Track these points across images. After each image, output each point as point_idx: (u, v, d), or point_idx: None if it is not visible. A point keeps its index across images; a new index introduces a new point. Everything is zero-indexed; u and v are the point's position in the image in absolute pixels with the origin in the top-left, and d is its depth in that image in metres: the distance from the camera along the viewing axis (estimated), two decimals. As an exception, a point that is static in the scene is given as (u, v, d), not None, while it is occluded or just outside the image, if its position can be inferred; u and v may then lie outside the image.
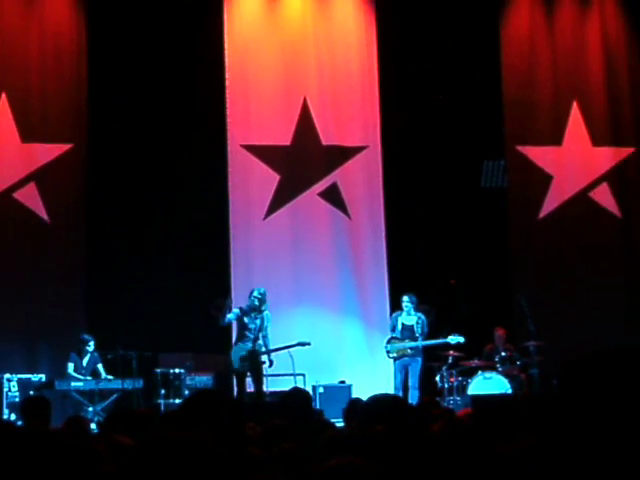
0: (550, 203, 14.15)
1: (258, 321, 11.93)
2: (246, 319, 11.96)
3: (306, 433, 4.58)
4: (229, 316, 11.99)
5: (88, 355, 12.50)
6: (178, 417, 3.64)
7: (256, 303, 11.91)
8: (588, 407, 2.86)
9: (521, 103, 14.21)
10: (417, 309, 12.60)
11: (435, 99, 14.23)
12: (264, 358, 11.92)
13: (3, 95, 13.10)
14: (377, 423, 4.15)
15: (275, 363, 11.90)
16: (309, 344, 12.05)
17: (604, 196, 14.25)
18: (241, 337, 12.01)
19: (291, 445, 3.63)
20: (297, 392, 6.73)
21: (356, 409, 5.97)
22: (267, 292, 12.12)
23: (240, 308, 12.04)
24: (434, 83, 14.24)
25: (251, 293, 12.03)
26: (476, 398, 11.18)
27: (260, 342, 11.93)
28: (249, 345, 11.88)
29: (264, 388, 11.97)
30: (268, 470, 3.18)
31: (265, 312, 11.97)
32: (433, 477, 3.02)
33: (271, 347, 11.98)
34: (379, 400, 4.59)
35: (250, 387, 12.02)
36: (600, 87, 14.38)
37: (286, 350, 11.93)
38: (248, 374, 11.92)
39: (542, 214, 14.14)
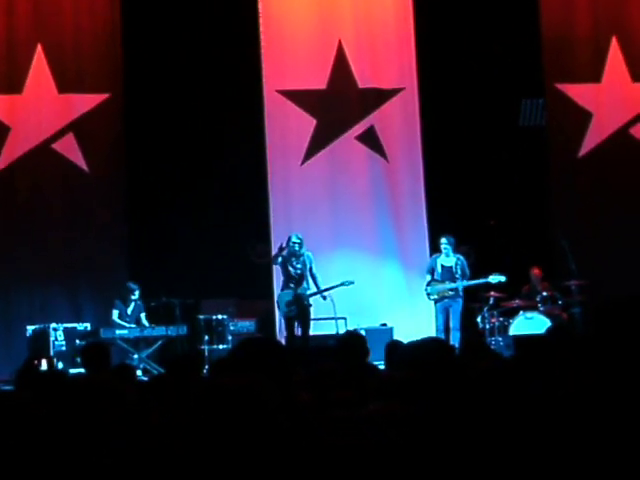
0: (590, 141, 13.98)
1: (300, 265, 12.04)
2: (288, 266, 12.05)
3: (356, 378, 4.62)
4: (279, 259, 12.10)
5: (133, 303, 12.63)
6: (227, 364, 3.69)
7: (296, 248, 12.01)
8: (623, 351, 2.85)
9: (560, 40, 13.97)
10: (456, 250, 12.56)
11: (472, 38, 14.03)
12: (311, 300, 12.04)
13: (39, 46, 13.10)
14: (421, 368, 4.17)
15: (328, 299, 12.01)
16: (353, 283, 12.17)
17: (645, 132, 14.07)
18: (286, 283, 12.11)
19: (341, 391, 3.66)
20: (352, 336, 6.73)
21: (395, 351, 6.00)
22: (306, 237, 12.21)
23: (281, 256, 12.11)
24: (470, 21, 14.03)
25: (289, 239, 12.09)
26: (518, 338, 11.24)
27: (305, 285, 12.03)
28: (294, 290, 11.98)
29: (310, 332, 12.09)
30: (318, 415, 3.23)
31: (306, 254, 12.07)
32: (475, 420, 3.04)
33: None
34: (423, 344, 4.60)
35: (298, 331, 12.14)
36: (640, 22, 14.13)
37: (329, 292, 12.02)
38: (296, 319, 12.04)
39: (582, 152, 13.98)
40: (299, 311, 11.97)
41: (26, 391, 4.44)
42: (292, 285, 12.03)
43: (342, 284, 12.12)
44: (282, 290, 12.22)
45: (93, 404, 3.25)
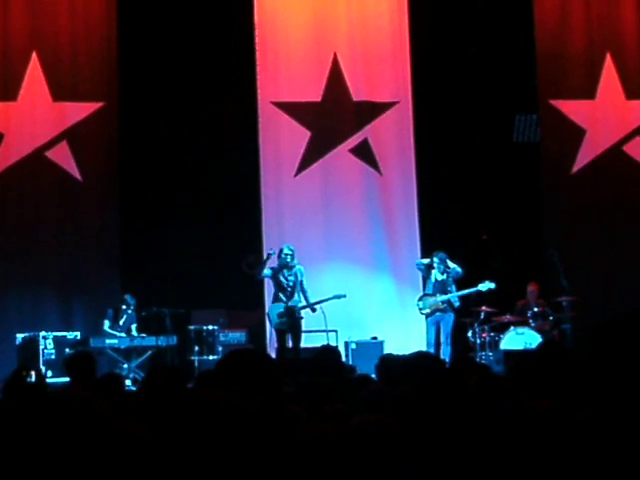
0: (583, 157, 14.00)
1: (292, 277, 12.01)
2: (280, 277, 12.02)
3: (340, 389, 4.61)
4: (266, 271, 12.05)
5: (125, 315, 12.58)
6: (214, 376, 3.67)
7: (288, 260, 11.98)
8: (617, 372, 2.83)
9: (554, 56, 14.02)
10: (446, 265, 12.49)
11: (466, 53, 14.08)
12: (302, 313, 12.01)
13: (34, 54, 13.10)
14: (413, 381, 4.16)
15: (318, 311, 11.98)
16: (345, 296, 12.15)
17: (638, 150, 14.09)
18: (277, 295, 12.08)
19: (333, 404, 3.65)
20: (327, 350, 6.75)
21: (387, 365, 5.99)
22: (298, 249, 12.19)
23: (271, 268, 12.09)
24: (465, 37, 14.08)
25: (281, 251, 12.07)
26: (509, 353, 11.22)
27: (296, 298, 12.00)
28: (286, 302, 11.94)
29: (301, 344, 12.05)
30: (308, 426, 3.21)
31: (297, 267, 12.05)
32: (464, 433, 3.03)
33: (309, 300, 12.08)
34: (414, 359, 4.60)
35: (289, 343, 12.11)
36: (634, 39, 14.15)
37: (321, 305, 11.99)
38: (288, 331, 12.01)
39: (575, 168, 14.00)
40: (291, 323, 11.94)
41: (12, 402, 4.42)
42: (284, 297, 12.00)
43: (334, 297, 12.09)
44: (273, 302, 12.18)
45: (72, 417, 3.23)
